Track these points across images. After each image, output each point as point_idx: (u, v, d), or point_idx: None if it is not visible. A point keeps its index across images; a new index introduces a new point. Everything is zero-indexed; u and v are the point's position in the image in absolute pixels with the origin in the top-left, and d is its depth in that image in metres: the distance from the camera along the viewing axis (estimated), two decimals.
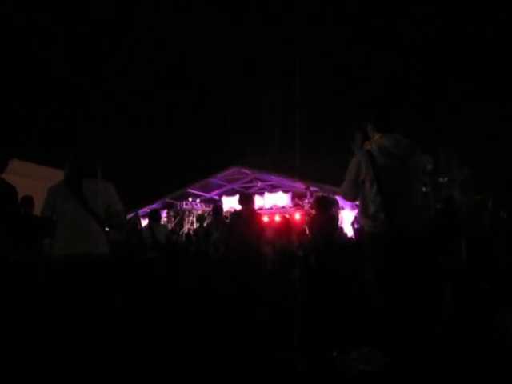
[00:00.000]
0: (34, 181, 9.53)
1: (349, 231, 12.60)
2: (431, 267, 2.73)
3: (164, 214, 18.84)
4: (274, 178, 19.87)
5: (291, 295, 5.78)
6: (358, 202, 2.96)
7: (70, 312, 2.99)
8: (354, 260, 6.74)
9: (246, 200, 6.07)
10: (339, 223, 14.37)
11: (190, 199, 20.22)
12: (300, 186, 18.85)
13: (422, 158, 2.85)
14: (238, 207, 8.73)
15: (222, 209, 8.43)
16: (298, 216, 16.95)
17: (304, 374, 3.15)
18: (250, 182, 20.31)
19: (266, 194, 19.07)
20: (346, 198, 3.01)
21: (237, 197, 17.85)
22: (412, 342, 2.49)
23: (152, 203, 19.73)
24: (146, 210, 19.28)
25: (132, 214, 19.41)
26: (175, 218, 19.86)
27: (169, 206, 20.18)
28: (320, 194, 14.50)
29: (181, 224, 19.31)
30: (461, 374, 2.93)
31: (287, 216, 15.82)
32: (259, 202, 17.19)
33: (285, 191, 19.37)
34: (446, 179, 6.20)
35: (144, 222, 12.62)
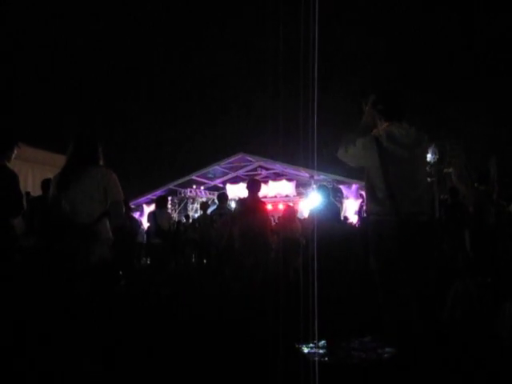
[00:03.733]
0: (39, 166, 9.58)
1: (353, 220, 12.62)
2: (436, 258, 2.72)
3: (168, 200, 18.90)
4: (279, 166, 19.85)
5: (294, 283, 5.81)
6: (362, 192, 2.94)
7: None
8: (358, 249, 6.75)
9: (254, 186, 6.05)
10: (343, 212, 14.40)
11: (195, 186, 20.26)
12: (304, 174, 18.83)
13: (428, 147, 2.83)
14: (242, 195, 8.72)
15: (227, 196, 8.41)
16: (302, 204, 16.95)
17: (306, 361, 3.18)
18: (255, 170, 20.29)
19: (270, 182, 19.06)
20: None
21: (241, 185, 17.90)
22: (415, 332, 2.50)
23: (156, 190, 19.79)
24: (151, 196, 19.36)
25: (136, 201, 19.55)
26: (179, 205, 19.92)
27: (173, 193, 20.23)
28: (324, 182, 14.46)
29: (185, 211, 19.37)
30: (462, 365, 2.95)
31: (291, 204, 15.84)
32: (263, 190, 17.18)
33: (289, 179, 19.37)
34: (450, 170, 6.17)
35: (149, 209, 12.64)
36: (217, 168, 20.26)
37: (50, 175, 3.45)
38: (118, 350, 3.30)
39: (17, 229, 3.44)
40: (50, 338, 2.95)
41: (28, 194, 7.10)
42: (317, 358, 3.30)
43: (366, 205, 2.88)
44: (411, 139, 2.70)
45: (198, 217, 10.72)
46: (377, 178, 2.66)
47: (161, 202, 7.94)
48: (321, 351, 3.47)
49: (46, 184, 5.41)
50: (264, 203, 6.37)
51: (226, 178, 20.87)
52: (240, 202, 6.26)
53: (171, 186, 20.26)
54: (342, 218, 12.30)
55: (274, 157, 19.15)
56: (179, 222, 13.37)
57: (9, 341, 3.07)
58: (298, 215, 10.56)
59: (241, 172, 20.57)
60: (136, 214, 16.50)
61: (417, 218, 2.59)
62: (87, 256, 3.08)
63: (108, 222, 3.29)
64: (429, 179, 2.80)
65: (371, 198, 2.73)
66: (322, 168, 17.40)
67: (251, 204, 5.82)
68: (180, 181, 20.16)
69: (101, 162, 3.30)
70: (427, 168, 2.91)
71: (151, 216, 7.56)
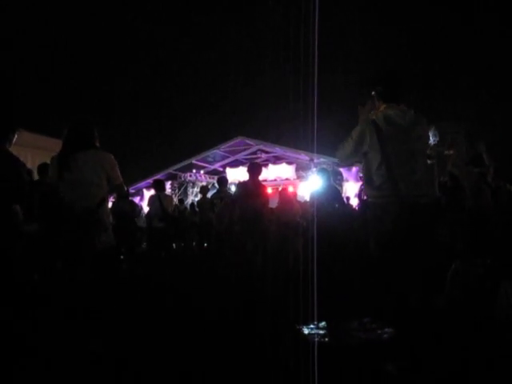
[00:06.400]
0: (37, 151, 9.55)
1: (353, 203, 12.64)
2: (435, 240, 2.74)
3: (168, 185, 18.90)
4: (278, 150, 19.80)
5: (294, 266, 5.85)
6: (361, 175, 2.94)
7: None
8: (358, 231, 6.78)
9: (255, 169, 6.06)
10: (344, 194, 14.43)
11: (194, 171, 20.23)
12: (304, 157, 18.80)
13: (426, 129, 2.83)
14: (242, 179, 8.72)
15: (227, 180, 8.41)
16: (302, 187, 16.95)
17: (306, 342, 3.23)
18: (254, 153, 20.24)
19: (270, 165, 19.03)
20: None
21: (240, 168, 17.87)
22: (414, 313, 2.54)
23: (156, 174, 19.76)
24: (151, 181, 19.35)
25: (136, 185, 19.56)
26: (179, 189, 19.93)
27: (173, 178, 20.22)
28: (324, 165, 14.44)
29: (185, 195, 19.39)
30: (460, 345, 2.99)
31: (291, 188, 15.84)
32: (263, 173, 17.15)
33: (289, 163, 19.33)
34: (451, 152, 6.16)
35: (149, 193, 12.55)
36: (216, 152, 20.20)
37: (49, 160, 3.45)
38: (120, 333, 3.35)
39: (19, 214, 3.44)
40: (55, 321, 2.99)
41: (30, 173, 7.07)
42: (317, 339, 3.34)
43: (365, 188, 2.88)
44: (408, 121, 2.69)
45: (198, 201, 10.74)
46: (376, 161, 2.66)
47: (161, 185, 7.91)
48: (321, 332, 3.51)
49: (42, 168, 5.38)
50: (264, 187, 6.38)
51: (225, 161, 20.83)
52: (240, 185, 6.27)
53: (171, 170, 20.23)
54: (344, 199, 12.34)
55: (274, 140, 19.10)
56: (176, 206, 13.39)
57: (15, 324, 3.10)
58: (298, 198, 10.56)
59: (240, 156, 20.52)
60: (136, 199, 16.54)
61: (417, 200, 2.60)
62: (93, 243, 3.10)
63: (108, 207, 3.31)
64: (429, 161, 2.79)
65: (369, 181, 2.73)
66: (321, 151, 17.36)
67: (252, 187, 5.83)
68: (180, 165, 20.13)
69: (97, 145, 3.30)
70: (427, 151, 2.89)
71: (155, 199, 7.48)
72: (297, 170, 19.01)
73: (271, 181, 18.20)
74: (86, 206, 3.11)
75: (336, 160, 17.45)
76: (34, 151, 9.37)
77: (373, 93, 2.87)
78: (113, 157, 3.28)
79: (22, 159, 3.50)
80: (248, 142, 19.66)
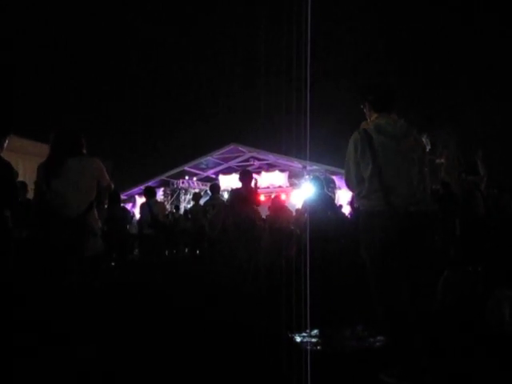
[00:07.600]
0: (27, 157, 9.48)
1: (346, 210, 12.68)
2: (428, 248, 2.74)
3: (160, 191, 18.86)
4: (271, 157, 19.85)
5: (287, 273, 5.84)
6: None
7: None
8: (350, 238, 6.80)
9: (247, 177, 6.06)
10: (336, 202, 14.45)
11: (187, 177, 20.22)
12: (297, 165, 18.84)
13: (418, 138, 2.84)
14: (235, 186, 8.73)
15: (219, 187, 8.41)
16: (294, 195, 16.98)
17: (298, 350, 3.21)
18: (247, 160, 20.28)
19: (263, 173, 19.05)
20: (350, 180, 2.83)
21: (233, 175, 17.88)
22: (405, 321, 2.53)
23: (149, 181, 19.72)
24: (142, 187, 19.29)
25: (128, 192, 19.48)
26: (172, 196, 19.89)
27: (165, 184, 20.18)
28: (317, 173, 14.47)
29: (178, 202, 19.36)
30: (451, 353, 2.99)
31: (283, 196, 15.88)
32: None
33: (282, 170, 19.37)
34: (442, 160, 6.22)
35: (141, 200, 12.49)
36: (209, 159, 20.22)
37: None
38: (111, 340, 3.31)
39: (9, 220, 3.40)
40: (45, 328, 2.96)
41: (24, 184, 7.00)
42: (309, 347, 3.32)
43: (356, 197, 2.88)
44: (399, 130, 2.71)
45: (191, 207, 10.72)
46: (367, 170, 2.66)
47: (151, 192, 7.89)
48: (313, 340, 3.50)
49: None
50: (257, 193, 6.38)
51: (218, 168, 20.85)
52: (233, 192, 6.27)
53: (163, 176, 20.20)
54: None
55: (267, 147, 19.17)
56: (172, 213, 13.38)
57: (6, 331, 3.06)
58: (289, 206, 10.59)
59: (233, 163, 20.54)
60: (128, 206, 16.46)
61: (408, 209, 2.60)
62: (81, 248, 3.08)
63: (96, 212, 3.29)
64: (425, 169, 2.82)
65: (361, 190, 2.73)
66: (314, 158, 17.43)
67: (245, 194, 5.83)
68: (172, 172, 20.11)
69: (84, 151, 3.30)
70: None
71: (145, 206, 7.46)
72: (290, 177, 19.05)
73: (264, 188, 18.21)
74: (74, 212, 3.10)
75: (329, 168, 17.44)
76: (23, 157, 9.31)
77: (361, 106, 2.91)
78: (100, 161, 3.30)
79: (13, 165, 3.47)
80: (241, 149, 19.70)
